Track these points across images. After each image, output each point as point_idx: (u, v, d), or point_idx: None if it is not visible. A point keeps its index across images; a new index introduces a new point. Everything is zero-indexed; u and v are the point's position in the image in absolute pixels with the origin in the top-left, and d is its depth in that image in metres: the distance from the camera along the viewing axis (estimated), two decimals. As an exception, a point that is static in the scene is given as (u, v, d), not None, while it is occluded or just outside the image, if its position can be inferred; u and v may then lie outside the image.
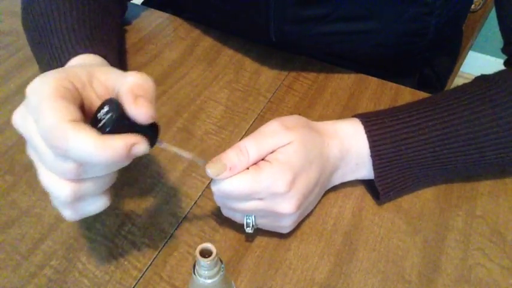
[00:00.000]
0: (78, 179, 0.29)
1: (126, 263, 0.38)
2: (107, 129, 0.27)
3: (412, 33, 0.55)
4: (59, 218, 0.41)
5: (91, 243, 0.40)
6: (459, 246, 0.40)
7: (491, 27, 0.65)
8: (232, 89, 0.54)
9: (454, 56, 0.74)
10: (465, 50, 0.79)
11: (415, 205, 0.43)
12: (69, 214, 0.31)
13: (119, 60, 0.53)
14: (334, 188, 0.44)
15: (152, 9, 0.67)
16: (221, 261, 0.30)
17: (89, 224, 0.41)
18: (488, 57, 1.67)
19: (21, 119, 0.29)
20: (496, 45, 0.51)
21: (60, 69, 0.30)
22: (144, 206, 0.42)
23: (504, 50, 0.49)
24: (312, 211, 0.42)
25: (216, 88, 0.54)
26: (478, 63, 1.61)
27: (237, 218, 0.38)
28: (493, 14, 0.55)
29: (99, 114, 0.28)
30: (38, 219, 0.41)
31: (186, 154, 0.33)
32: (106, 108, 0.28)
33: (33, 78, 0.28)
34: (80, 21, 0.46)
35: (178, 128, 0.50)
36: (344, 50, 0.57)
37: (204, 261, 0.28)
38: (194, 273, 0.29)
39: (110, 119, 0.27)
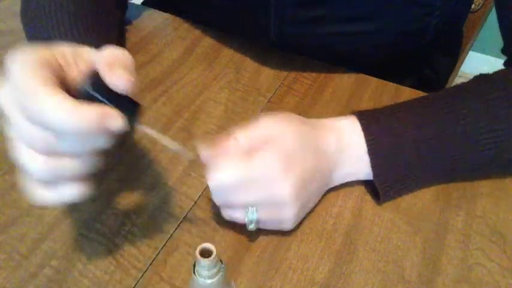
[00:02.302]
0: (52, 154, 0.28)
1: (126, 263, 0.38)
2: (82, 97, 0.26)
3: (411, 33, 0.55)
4: (59, 218, 0.41)
5: (91, 243, 0.40)
6: (459, 246, 0.40)
7: (491, 27, 0.65)
8: (232, 89, 0.54)
9: (454, 56, 0.74)
10: (465, 50, 0.79)
11: (415, 205, 0.43)
12: (41, 195, 0.29)
13: None
14: (334, 188, 0.44)
15: (152, 9, 0.67)
16: (221, 261, 0.30)
17: (89, 224, 0.41)
18: (488, 57, 1.68)
19: (3, 93, 0.28)
20: (496, 45, 0.51)
21: (46, 45, 0.29)
22: (144, 206, 0.42)
23: (504, 51, 0.49)
24: (312, 210, 0.42)
25: (216, 88, 0.54)
26: (478, 63, 1.61)
27: (238, 216, 0.38)
28: (493, 14, 0.55)
29: (78, 87, 0.27)
30: (38, 219, 0.41)
31: (169, 143, 0.32)
32: (86, 80, 0.27)
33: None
34: (77, 20, 0.45)
35: (178, 128, 0.50)
36: (344, 50, 0.57)
37: (204, 261, 0.28)
38: (194, 273, 0.29)
39: (87, 86, 0.27)
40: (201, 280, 0.29)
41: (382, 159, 0.41)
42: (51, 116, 0.25)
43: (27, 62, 0.26)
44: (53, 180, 0.29)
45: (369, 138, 0.40)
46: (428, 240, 0.40)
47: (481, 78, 0.44)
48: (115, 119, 0.27)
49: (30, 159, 0.28)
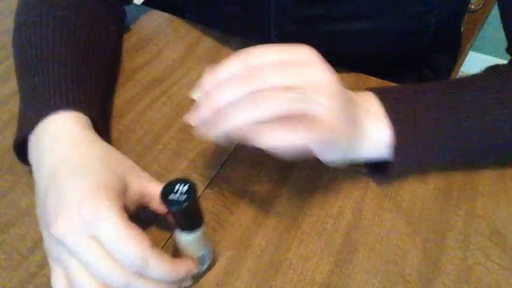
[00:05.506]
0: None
1: (126, 263, 0.38)
2: (181, 209, 0.31)
3: (411, 32, 0.55)
4: (59, 218, 0.41)
5: (91, 243, 0.39)
6: (459, 246, 0.40)
7: (491, 27, 0.65)
8: (232, 89, 0.54)
9: (453, 55, 0.74)
10: (465, 50, 0.79)
11: (415, 205, 0.43)
12: None
13: (103, 108, 0.49)
14: (334, 188, 0.44)
15: (152, 9, 0.67)
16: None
17: (89, 224, 0.41)
18: (488, 57, 1.68)
19: (74, 238, 0.31)
20: (496, 45, 0.52)
21: (105, 185, 0.34)
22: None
23: (508, 50, 0.49)
24: (311, 211, 0.42)
25: (216, 88, 0.54)
26: (478, 63, 1.61)
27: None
28: (492, 14, 0.55)
29: (177, 188, 0.32)
30: (38, 219, 0.41)
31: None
32: (181, 187, 0.32)
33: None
34: (72, 71, 0.44)
35: (179, 128, 0.50)
36: (344, 49, 0.57)
37: None
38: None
39: (186, 201, 0.31)
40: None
41: (400, 125, 0.39)
42: (157, 275, 0.32)
43: (117, 218, 0.32)
44: None
45: (385, 101, 0.40)
46: (428, 240, 0.40)
47: (493, 70, 0.44)
48: (195, 269, 0.35)
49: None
